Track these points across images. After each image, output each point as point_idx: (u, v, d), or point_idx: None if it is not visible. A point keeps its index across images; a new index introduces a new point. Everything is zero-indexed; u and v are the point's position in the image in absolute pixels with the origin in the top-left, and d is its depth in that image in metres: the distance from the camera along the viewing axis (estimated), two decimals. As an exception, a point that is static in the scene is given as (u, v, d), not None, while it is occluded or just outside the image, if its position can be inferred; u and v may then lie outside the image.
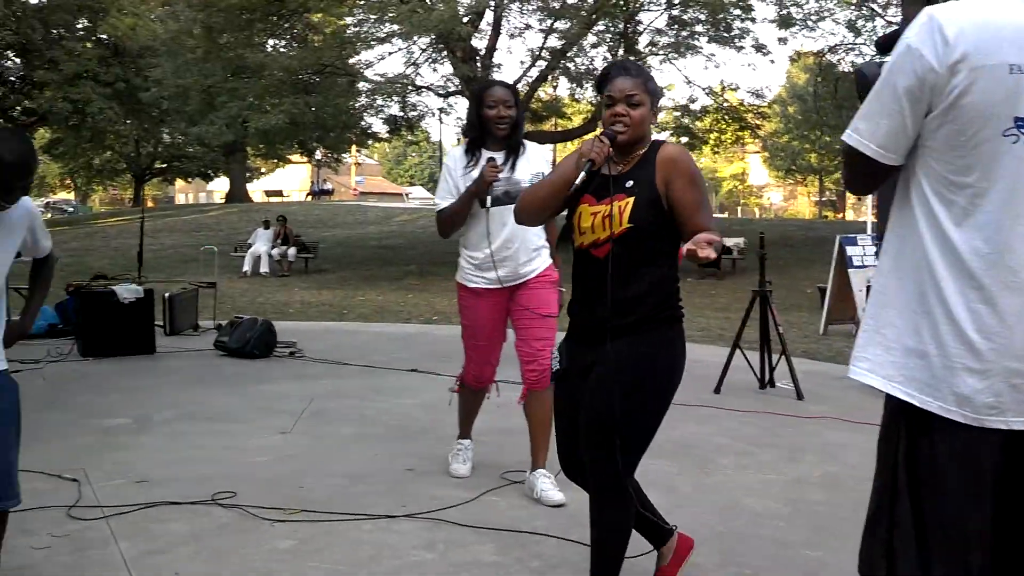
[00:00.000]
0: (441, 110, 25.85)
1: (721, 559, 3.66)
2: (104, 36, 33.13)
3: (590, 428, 2.85)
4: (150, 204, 57.91)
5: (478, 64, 21.08)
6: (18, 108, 34.67)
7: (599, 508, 2.88)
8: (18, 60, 33.29)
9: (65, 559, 3.53)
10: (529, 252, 4.37)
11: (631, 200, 2.82)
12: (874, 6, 25.65)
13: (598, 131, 2.93)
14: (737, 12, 20.48)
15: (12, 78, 34.12)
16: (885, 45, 2.08)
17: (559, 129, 25.85)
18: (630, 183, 2.86)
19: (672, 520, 4.05)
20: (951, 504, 1.88)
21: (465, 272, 4.48)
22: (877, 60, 2.11)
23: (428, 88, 22.39)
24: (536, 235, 4.36)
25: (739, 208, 65.80)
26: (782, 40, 22.54)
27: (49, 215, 54.56)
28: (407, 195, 64.42)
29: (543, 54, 21.59)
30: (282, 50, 23.93)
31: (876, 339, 2.02)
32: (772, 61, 62.99)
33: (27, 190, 2.91)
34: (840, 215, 54.32)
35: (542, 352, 4.28)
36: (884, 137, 1.94)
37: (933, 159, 1.92)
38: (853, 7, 24.73)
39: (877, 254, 8.99)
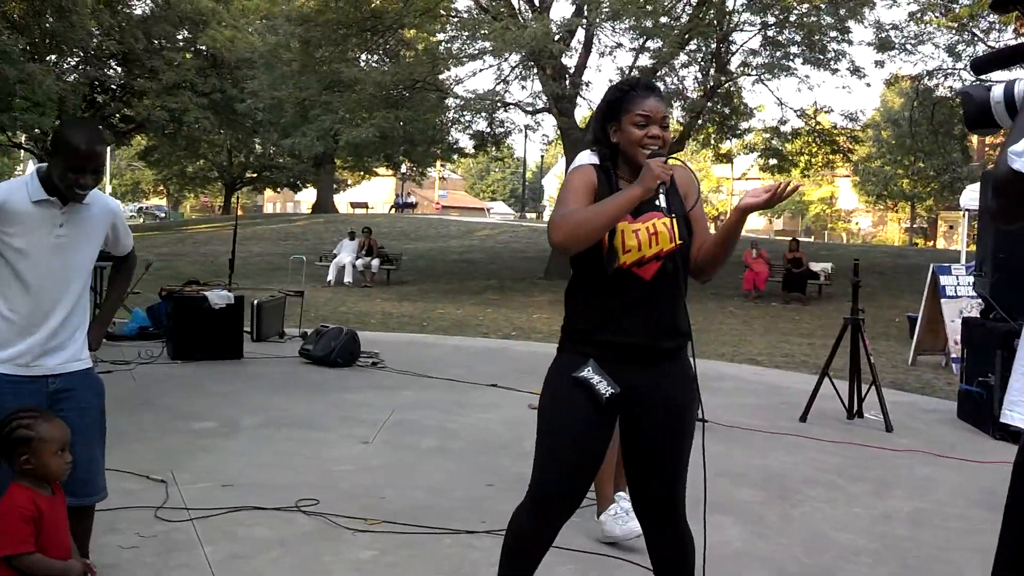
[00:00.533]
0: (528, 127, 25.90)
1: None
2: (203, 47, 34.10)
3: (677, 457, 2.79)
4: (239, 212, 59.28)
5: (567, 82, 21.09)
6: (117, 115, 35.88)
7: (673, 533, 2.84)
8: (120, 69, 34.42)
9: (151, 560, 3.60)
10: None
11: (672, 219, 2.69)
12: (976, 31, 25.02)
13: (645, 152, 2.70)
14: (834, 34, 20.12)
15: (113, 86, 35.31)
16: (980, 66, 1.97)
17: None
18: (658, 202, 2.68)
19: (757, 551, 3.97)
20: None
21: None
22: (985, 83, 1.97)
23: (516, 105, 22.48)
24: None
25: (826, 232, 64.55)
26: (879, 63, 22.00)
27: (142, 220, 56.40)
28: (489, 210, 64.86)
29: (633, 73, 21.51)
30: (375, 65, 24.32)
31: None
32: (868, 84, 61.71)
33: (98, 175, 2.98)
34: (931, 243, 52.92)
35: None
36: None
37: None
38: (954, 31, 24.15)
39: (972, 284, 8.73)
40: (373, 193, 67.18)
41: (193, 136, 35.20)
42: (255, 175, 49.09)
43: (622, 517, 4.01)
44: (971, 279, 9.51)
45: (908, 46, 22.52)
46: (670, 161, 2.75)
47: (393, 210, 55.88)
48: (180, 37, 35.01)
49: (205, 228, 35.61)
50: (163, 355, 8.66)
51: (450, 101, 22.46)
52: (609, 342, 2.68)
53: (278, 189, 56.43)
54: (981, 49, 25.58)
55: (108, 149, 3.07)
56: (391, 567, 3.62)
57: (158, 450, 5.28)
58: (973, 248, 11.50)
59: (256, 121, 31.65)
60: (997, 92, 1.93)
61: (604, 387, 2.64)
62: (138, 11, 33.29)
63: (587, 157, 2.94)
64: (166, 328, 9.12)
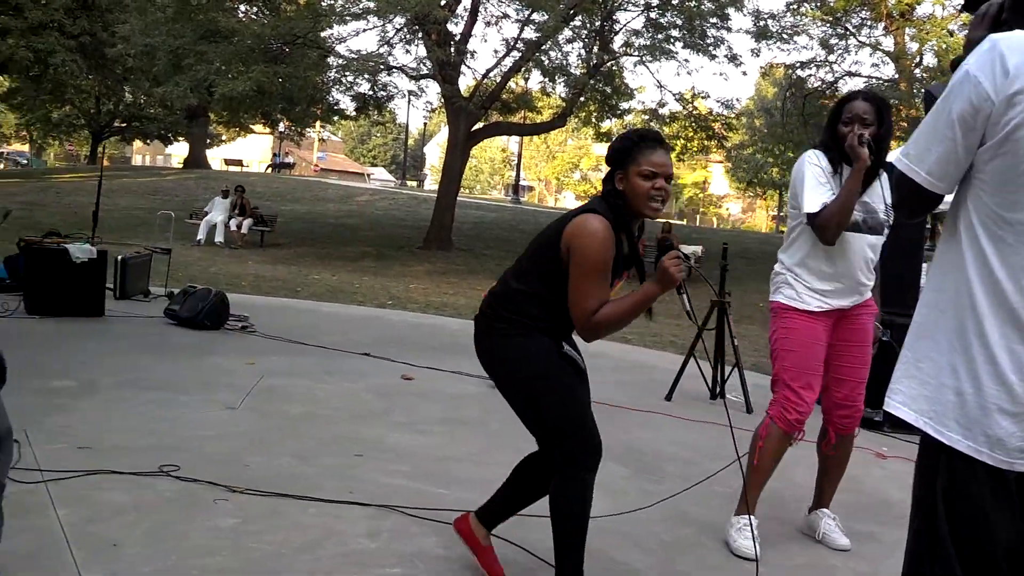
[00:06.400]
0: (411, 92, 25.70)
1: (661, 569, 3.68)
2: (73, -13, 32.48)
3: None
4: (106, 163, 56.79)
5: (452, 49, 20.96)
6: (-23, 54, 33.87)
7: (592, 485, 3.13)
8: (-18, 5, 32.47)
9: (0, 522, 3.44)
10: (865, 281, 4.01)
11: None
12: (849, 25, 26.00)
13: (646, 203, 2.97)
14: (713, 20, 20.59)
15: (-26, 22, 33.30)
16: (971, 2, 2.03)
17: (527, 122, 25.78)
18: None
19: (618, 524, 4.07)
20: (988, 543, 1.84)
21: (799, 292, 3.99)
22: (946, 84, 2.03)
23: (400, 69, 22.22)
24: (871, 272, 4.03)
25: (698, 216, 66.29)
26: (755, 52, 22.77)
27: (2, 166, 53.53)
28: (369, 175, 64.04)
29: (518, 45, 21.54)
30: (254, 17, 23.61)
31: (912, 372, 1.97)
32: (744, 73, 63.51)
33: None
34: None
35: (860, 396, 4.11)
36: (934, 164, 1.88)
37: (984, 192, 1.85)
38: (828, 24, 25.05)
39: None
40: (249, 151, 65.40)
41: (59, 80, 33.53)
42: (124, 125, 47.13)
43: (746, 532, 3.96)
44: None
45: (784, 35, 23.27)
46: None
47: (270, 170, 54.52)
48: (49, -27, 33.23)
49: (69, 178, 34.04)
50: (20, 309, 8.26)
51: (332, 60, 22.03)
52: (562, 334, 3.11)
53: (148, 141, 54.19)
54: (852, 44, 26.60)
55: None
56: (253, 535, 3.56)
57: (10, 408, 4.99)
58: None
59: (127, 68, 30.42)
60: None
61: (581, 361, 3.14)
62: (2, -56, 31.41)
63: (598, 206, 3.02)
64: (23, 281, 8.69)
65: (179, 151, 57.65)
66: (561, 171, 70.93)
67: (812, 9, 25.32)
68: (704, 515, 4.37)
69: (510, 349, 3.05)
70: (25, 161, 59.41)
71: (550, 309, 3.02)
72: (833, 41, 26.48)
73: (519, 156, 50.53)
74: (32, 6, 30.16)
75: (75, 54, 31.31)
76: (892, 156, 1.93)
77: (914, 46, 26.82)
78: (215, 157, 54.55)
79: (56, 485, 3.88)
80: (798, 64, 26.90)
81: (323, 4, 21.24)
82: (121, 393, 5.74)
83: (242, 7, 23.75)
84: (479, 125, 22.80)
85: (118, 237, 15.64)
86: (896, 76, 26.91)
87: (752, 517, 3.93)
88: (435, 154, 67.19)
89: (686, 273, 2.89)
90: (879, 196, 3.90)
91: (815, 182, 3.82)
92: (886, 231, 3.97)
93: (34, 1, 30.45)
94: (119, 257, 9.84)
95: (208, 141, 49.56)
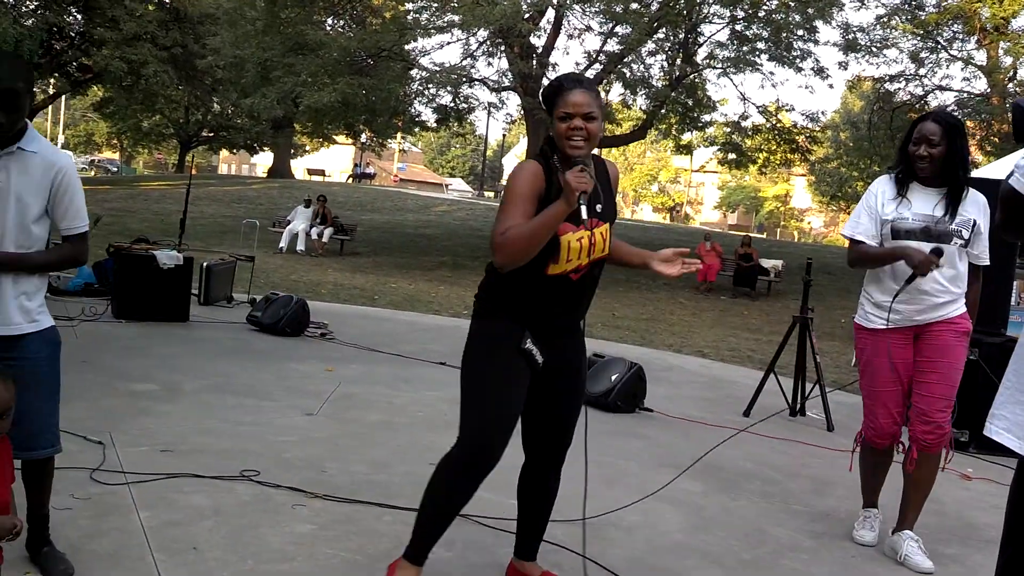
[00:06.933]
0: (492, 104, 25.81)
1: (742, 589, 3.60)
2: (166, 0, 33.42)
3: (573, 414, 3.19)
4: (193, 172, 58.38)
5: (534, 62, 21.01)
6: (74, 64, 35.03)
7: (554, 479, 3.27)
8: (80, 16, 33.55)
9: (85, 523, 3.52)
10: (936, 293, 4.03)
11: (607, 226, 3.00)
12: (940, 39, 25.33)
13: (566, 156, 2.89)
14: (801, 33, 20.26)
15: (72, 33, 34.42)
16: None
17: (607, 134, 25.70)
18: (599, 206, 2.98)
19: (695, 542, 4.00)
20: None
21: (866, 312, 4.18)
22: None
23: (481, 81, 22.35)
24: (960, 281, 4.08)
25: (778, 230, 65.26)
26: (843, 64, 22.27)
27: (93, 173, 55.31)
28: (447, 186, 64.49)
29: (600, 57, 21.50)
30: (341, 30, 24.00)
31: (1018, 398, 1.90)
32: (831, 86, 62.20)
33: (13, 113, 2.77)
34: (881, 246, 53.57)
35: (940, 412, 4.04)
36: None
37: None
38: (919, 38, 24.44)
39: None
40: (331, 161, 66.47)
41: (151, 90, 34.43)
42: (211, 134, 48.29)
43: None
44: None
45: (873, 49, 22.77)
46: (603, 155, 2.89)
47: (351, 180, 55.34)
48: (143, -14, 34.24)
49: (158, 185, 35.01)
50: (107, 313, 8.49)
51: (415, 72, 22.26)
52: (536, 320, 3.00)
53: (234, 150, 55.56)
54: (944, 58, 25.91)
55: (26, 85, 2.76)
56: (329, 541, 3.58)
57: (97, 410, 5.18)
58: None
59: (216, 79, 31.14)
60: None
61: (539, 355, 3.00)
62: (101, -42, 32.46)
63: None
64: (112, 285, 8.94)
65: (264, 161, 58.87)
66: (639, 183, 70.51)
67: (903, 22, 24.74)
68: (783, 535, 4.27)
69: (470, 328, 3.13)
70: (115, 168, 61.27)
71: (516, 291, 2.98)
72: (924, 55, 25.82)
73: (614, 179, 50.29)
74: (127, 18, 31.06)
75: (167, 65, 32.15)
76: (987, 171, 1.85)
77: (1008, 60, 26.02)
78: (299, 167, 55.64)
79: (138, 487, 3.96)
80: (887, 78, 26.29)
81: (408, 18, 21.49)
82: (204, 397, 5.85)
83: (329, 20, 24.15)
84: (559, 137, 22.80)
85: (204, 244, 16.00)
86: (988, 90, 26.14)
87: (873, 509, 4.32)
88: (513, 165, 67.43)
89: (591, 184, 2.77)
90: (963, 210, 4.01)
91: (862, 211, 4.16)
92: (957, 241, 4.00)
93: (129, 13, 31.39)
94: (204, 264, 10.07)
95: (292, 151, 50.51)
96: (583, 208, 2.74)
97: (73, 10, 33.23)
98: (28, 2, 32.31)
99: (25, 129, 2.90)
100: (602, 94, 24.43)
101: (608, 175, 3.08)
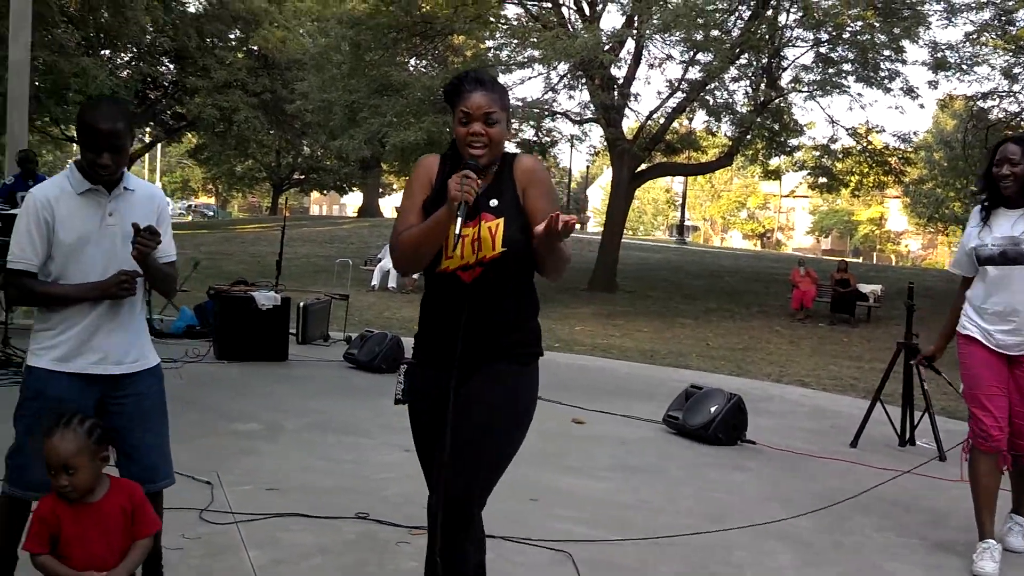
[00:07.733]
0: (574, 137, 25.80)
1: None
2: (255, 47, 34.49)
3: (468, 457, 2.76)
4: (286, 214, 59.85)
5: (615, 93, 21.00)
6: (169, 112, 36.33)
7: (474, 551, 2.88)
8: (172, 66, 34.85)
9: (196, 562, 3.58)
10: None
11: (500, 222, 2.68)
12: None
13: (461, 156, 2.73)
14: (887, 53, 19.85)
15: (165, 83, 35.77)
16: None
17: (692, 162, 25.48)
18: (494, 202, 2.71)
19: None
20: None
21: (964, 321, 4.35)
22: None
23: (564, 114, 22.41)
24: None
25: (875, 254, 63.74)
26: (932, 83, 21.62)
27: (190, 218, 57.10)
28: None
29: (682, 86, 21.39)
30: (424, 70, 24.39)
31: None
32: (921, 106, 60.48)
33: (118, 155, 2.90)
34: (982, 267, 51.87)
35: None
36: None
37: None
38: (1011, 54, 23.73)
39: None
40: (418, 198, 67.27)
41: (243, 135, 35.50)
42: (302, 177, 49.49)
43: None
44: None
45: (964, 66, 22.15)
46: (522, 154, 2.77)
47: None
48: (232, 36, 35.39)
49: (253, 228, 35.93)
50: (209, 354, 8.69)
51: (499, 109, 22.44)
52: (428, 343, 2.81)
53: (324, 191, 56.80)
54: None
55: (127, 127, 2.86)
56: (436, 580, 3.56)
57: (203, 450, 5.28)
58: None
59: (305, 122, 31.91)
60: None
61: (398, 389, 2.85)
62: (192, 9, 33.67)
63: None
64: (213, 327, 9.16)
65: (354, 200, 60.00)
66: (727, 210, 69.72)
67: (994, 38, 24.04)
68: (900, 569, 4.11)
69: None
70: (211, 213, 63.18)
71: (423, 299, 2.85)
72: (1017, 71, 25.03)
73: (683, 196, 49.93)
74: (218, 67, 32.15)
75: (257, 111, 33.12)
76: None
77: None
78: (387, 205, 56.49)
79: (247, 526, 4.01)
80: (979, 95, 25.53)
81: (489, 55, 21.73)
82: (304, 435, 5.93)
83: (412, 61, 24.57)
84: (643, 167, 22.68)
85: (299, 284, 16.31)
86: (1086, 105, 25.18)
87: (991, 540, 4.15)
88: (597, 196, 67.30)
89: (471, 193, 2.54)
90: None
91: (962, 243, 4.33)
92: None
93: (219, 62, 32.46)
94: (301, 303, 10.24)
95: (380, 190, 51.39)
96: (459, 220, 2.53)
97: (165, 60, 34.53)
98: (123, 54, 33.67)
99: (123, 173, 3.04)
100: (685, 122, 24.32)
101: (513, 171, 2.77)
